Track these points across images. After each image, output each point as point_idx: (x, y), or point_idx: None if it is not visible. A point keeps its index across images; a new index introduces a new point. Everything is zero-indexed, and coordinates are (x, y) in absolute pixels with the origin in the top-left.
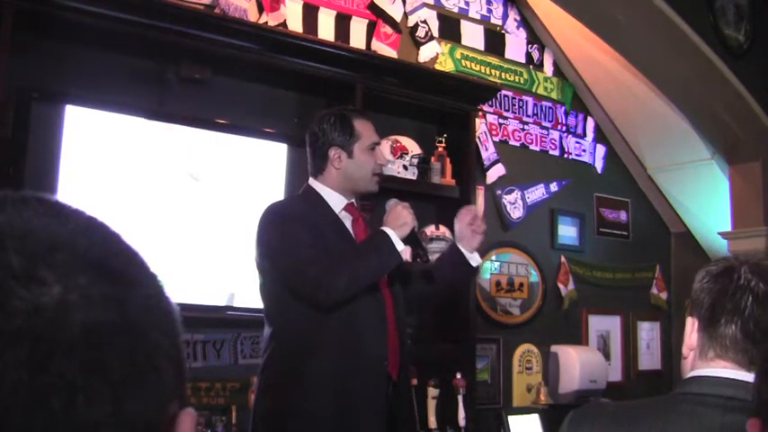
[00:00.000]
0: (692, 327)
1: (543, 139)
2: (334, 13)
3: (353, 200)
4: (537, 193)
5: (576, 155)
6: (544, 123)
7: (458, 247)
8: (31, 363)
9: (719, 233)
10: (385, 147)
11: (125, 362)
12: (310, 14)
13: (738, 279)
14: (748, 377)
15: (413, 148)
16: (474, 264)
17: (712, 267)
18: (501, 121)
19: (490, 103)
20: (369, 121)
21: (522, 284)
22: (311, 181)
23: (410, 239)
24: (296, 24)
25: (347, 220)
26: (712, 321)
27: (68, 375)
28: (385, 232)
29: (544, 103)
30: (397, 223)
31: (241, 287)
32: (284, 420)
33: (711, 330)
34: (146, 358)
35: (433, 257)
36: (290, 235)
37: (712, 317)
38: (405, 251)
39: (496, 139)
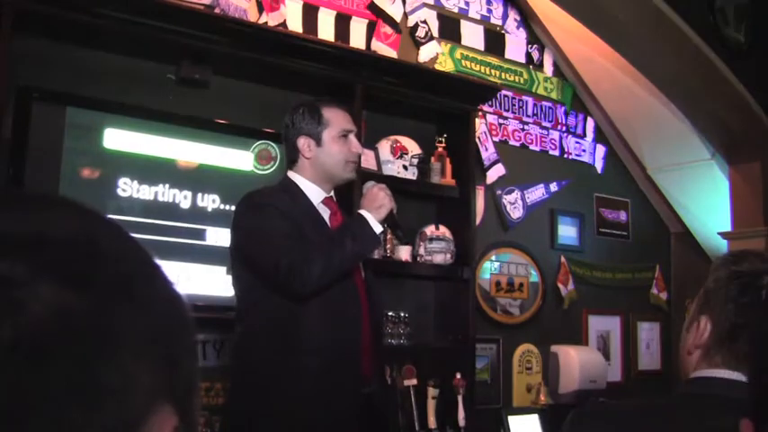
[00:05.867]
0: (705, 326)
1: (543, 139)
2: (334, 13)
3: (332, 194)
4: (537, 194)
5: (576, 155)
6: (544, 123)
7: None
8: None
9: (719, 233)
10: (385, 147)
11: (72, 380)
12: (310, 14)
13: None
14: None
15: (413, 148)
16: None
17: (736, 268)
18: (501, 121)
19: (490, 103)
20: (341, 110)
21: (521, 284)
22: (289, 173)
23: (389, 221)
24: (296, 24)
25: (325, 214)
26: (732, 337)
27: None
28: (362, 215)
29: (544, 103)
30: (374, 205)
31: None
32: (257, 419)
33: (729, 344)
34: (104, 372)
35: (434, 257)
36: (266, 223)
37: (733, 334)
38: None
39: (496, 139)
